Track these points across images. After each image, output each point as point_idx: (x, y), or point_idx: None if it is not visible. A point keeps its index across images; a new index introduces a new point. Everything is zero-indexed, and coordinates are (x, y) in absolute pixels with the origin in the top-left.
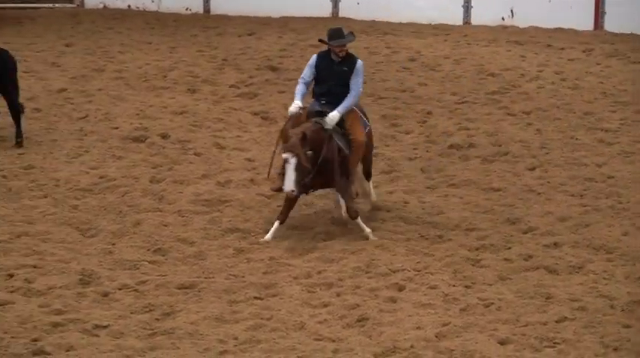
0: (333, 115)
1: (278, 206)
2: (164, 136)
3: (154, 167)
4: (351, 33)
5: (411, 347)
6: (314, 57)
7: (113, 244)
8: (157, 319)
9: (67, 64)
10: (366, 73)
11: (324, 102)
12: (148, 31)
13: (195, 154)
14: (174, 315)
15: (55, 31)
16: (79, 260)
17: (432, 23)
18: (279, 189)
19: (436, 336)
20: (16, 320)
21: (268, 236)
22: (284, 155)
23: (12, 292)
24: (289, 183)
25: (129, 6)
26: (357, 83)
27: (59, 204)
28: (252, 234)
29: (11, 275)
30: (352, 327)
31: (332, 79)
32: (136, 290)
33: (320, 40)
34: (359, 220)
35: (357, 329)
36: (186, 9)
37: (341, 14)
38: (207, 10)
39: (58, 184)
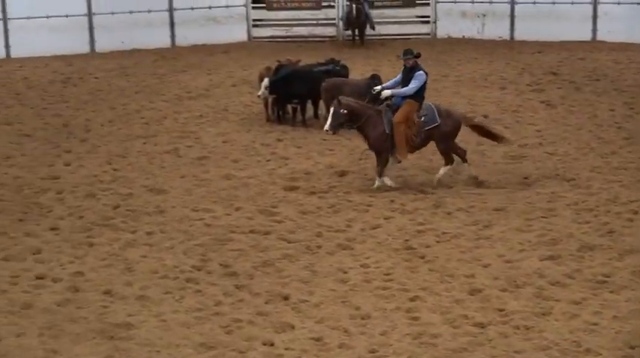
0: (385, 92)
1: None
2: (485, 116)
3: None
4: (413, 53)
5: None
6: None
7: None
8: (480, 229)
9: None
10: None
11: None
12: (475, 51)
13: (504, 127)
14: (491, 227)
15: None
16: (436, 191)
17: None
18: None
19: None
20: (395, 228)
21: (384, 183)
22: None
23: (393, 211)
24: (326, 125)
25: (463, 36)
26: (412, 83)
27: (421, 158)
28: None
29: (392, 201)
30: None
31: (404, 80)
32: (467, 211)
33: (397, 56)
34: (380, 179)
35: None
36: (499, 37)
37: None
38: (512, 37)
39: None
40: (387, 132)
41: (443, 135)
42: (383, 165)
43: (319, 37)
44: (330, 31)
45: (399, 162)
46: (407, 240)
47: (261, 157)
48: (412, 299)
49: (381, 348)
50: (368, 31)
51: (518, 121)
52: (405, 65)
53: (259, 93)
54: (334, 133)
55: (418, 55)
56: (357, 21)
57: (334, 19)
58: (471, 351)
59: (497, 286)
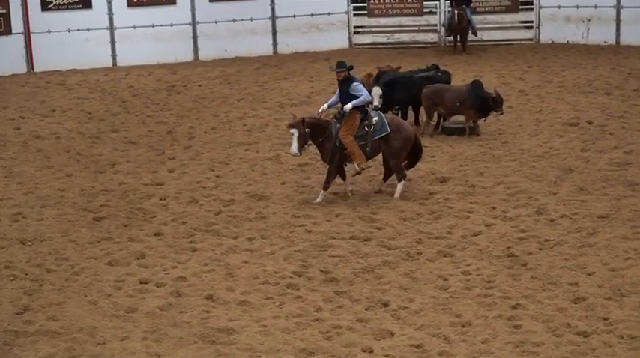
0: (347, 107)
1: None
2: (589, 122)
3: (583, 142)
4: (346, 65)
5: None
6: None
7: (557, 187)
8: (584, 237)
9: (528, 78)
10: None
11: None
12: (579, 57)
13: (609, 133)
14: (595, 235)
15: (521, 57)
16: (538, 197)
17: None
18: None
19: None
20: (496, 235)
21: (318, 200)
22: (290, 130)
23: (494, 218)
24: (293, 148)
25: (567, 41)
26: (362, 92)
27: (523, 165)
28: None
29: (494, 208)
30: None
31: (341, 92)
32: (571, 218)
33: (330, 68)
34: (322, 192)
35: None
36: (604, 42)
37: None
38: (617, 42)
39: (523, 152)
40: (337, 144)
41: (393, 149)
42: (331, 178)
43: (421, 43)
44: (431, 37)
45: (360, 172)
46: (509, 247)
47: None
48: (514, 307)
49: (482, 356)
50: (470, 37)
51: (624, 127)
52: (337, 78)
53: (375, 103)
54: (301, 154)
55: (351, 68)
56: (459, 27)
57: (436, 25)
58: None
59: (602, 294)
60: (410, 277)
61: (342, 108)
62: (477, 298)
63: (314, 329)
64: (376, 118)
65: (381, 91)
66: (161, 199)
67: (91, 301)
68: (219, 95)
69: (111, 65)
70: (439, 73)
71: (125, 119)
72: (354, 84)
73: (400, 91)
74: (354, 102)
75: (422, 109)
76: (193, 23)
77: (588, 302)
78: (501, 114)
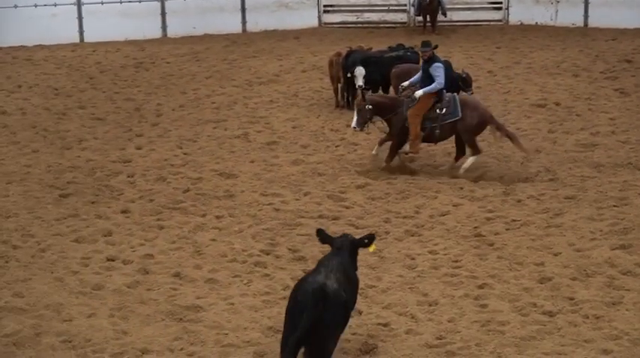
0: (418, 93)
1: (631, 148)
2: (557, 104)
3: (550, 123)
4: (430, 45)
5: None
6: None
7: (523, 163)
8: (551, 217)
9: (497, 59)
10: None
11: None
12: (548, 38)
13: (576, 115)
14: (562, 215)
15: (490, 38)
16: (505, 178)
17: None
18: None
19: None
20: (463, 215)
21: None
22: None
23: (462, 198)
24: (352, 123)
25: (536, 22)
26: (438, 77)
27: (491, 146)
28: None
29: (462, 188)
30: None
31: (424, 72)
32: (538, 199)
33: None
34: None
35: None
36: (572, 24)
37: None
38: (586, 24)
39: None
40: (406, 124)
41: (466, 128)
42: (392, 156)
43: (390, 23)
44: (401, 17)
45: (407, 154)
46: (476, 227)
47: (331, 143)
48: (480, 287)
49: (449, 335)
50: (439, 17)
51: (591, 109)
52: (422, 57)
53: (360, 83)
54: (362, 130)
55: (435, 47)
56: (429, 7)
57: (405, 5)
58: (539, 340)
59: (567, 275)
60: (378, 256)
61: (418, 89)
62: (443, 277)
63: (282, 307)
64: (448, 101)
65: (364, 71)
66: (128, 176)
67: (57, 278)
68: (188, 72)
69: (78, 41)
70: (409, 53)
71: (92, 95)
72: (435, 64)
73: (372, 71)
74: (426, 89)
75: (391, 89)
76: (162, 0)
77: (554, 282)
78: (471, 94)
